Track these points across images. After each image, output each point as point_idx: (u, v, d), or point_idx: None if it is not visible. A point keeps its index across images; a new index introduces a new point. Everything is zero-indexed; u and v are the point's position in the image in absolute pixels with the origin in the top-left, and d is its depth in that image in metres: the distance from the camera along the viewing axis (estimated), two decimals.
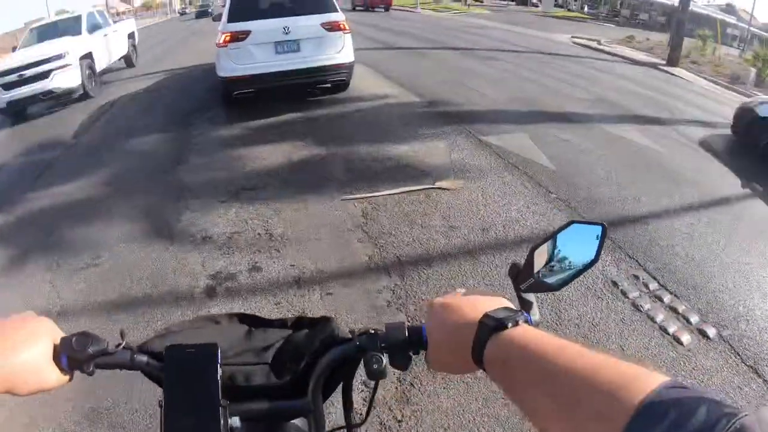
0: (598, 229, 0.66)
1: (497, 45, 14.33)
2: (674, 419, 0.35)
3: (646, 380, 0.40)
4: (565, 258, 0.70)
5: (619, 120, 6.85)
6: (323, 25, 6.87)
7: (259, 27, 6.71)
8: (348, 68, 7.29)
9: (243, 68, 6.69)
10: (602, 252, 0.67)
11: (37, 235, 4.30)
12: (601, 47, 15.50)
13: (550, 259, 0.70)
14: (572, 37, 18.28)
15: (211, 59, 7.86)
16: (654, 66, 12.62)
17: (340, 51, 7.04)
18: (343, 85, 7.73)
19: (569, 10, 46.09)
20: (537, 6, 53.77)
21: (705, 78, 11.79)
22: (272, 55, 6.78)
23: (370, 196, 4.47)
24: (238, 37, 6.65)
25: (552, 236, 0.70)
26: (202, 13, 41.86)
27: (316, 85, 7.59)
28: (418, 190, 4.58)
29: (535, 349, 0.52)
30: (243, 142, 6.06)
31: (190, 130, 6.84)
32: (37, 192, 5.27)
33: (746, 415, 0.34)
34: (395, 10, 32.85)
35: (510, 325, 0.57)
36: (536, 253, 0.71)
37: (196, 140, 6.36)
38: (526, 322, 0.60)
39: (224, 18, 7.01)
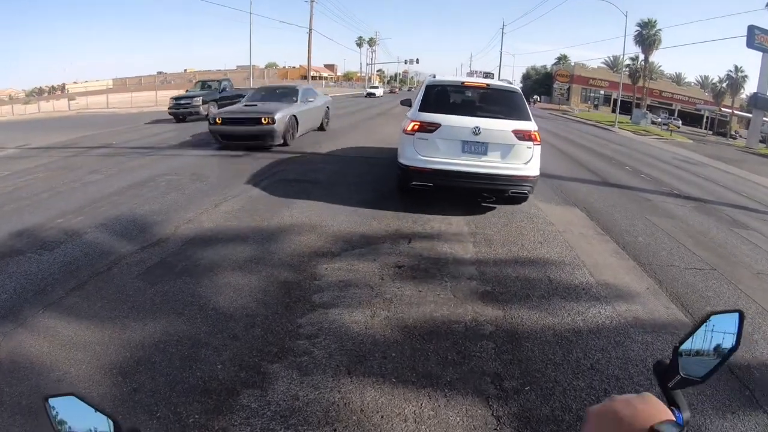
0: (736, 317, 0.70)
1: (726, 195, 11.03)
2: None
3: None
4: (707, 349, 0.71)
5: None
6: (515, 132, 6.04)
7: (449, 122, 6.07)
8: (533, 182, 6.24)
9: (426, 160, 6.06)
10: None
11: None
12: None
13: (693, 353, 0.72)
14: None
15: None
16: None
17: (528, 162, 6.12)
18: (521, 199, 6.52)
19: None
20: (734, 138, 47.57)
21: None
22: (458, 153, 6.05)
23: None
24: (427, 127, 6.06)
25: (693, 331, 0.72)
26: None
27: (494, 195, 6.55)
28: None
29: None
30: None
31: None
32: None
33: None
34: (586, 123, 30.04)
35: None
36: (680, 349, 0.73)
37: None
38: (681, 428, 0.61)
39: (415, 106, 6.51)
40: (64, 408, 0.71)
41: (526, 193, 6.30)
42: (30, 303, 3.69)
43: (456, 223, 6.06)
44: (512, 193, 6.21)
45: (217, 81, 21.06)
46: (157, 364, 2.95)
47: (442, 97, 6.69)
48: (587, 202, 8.08)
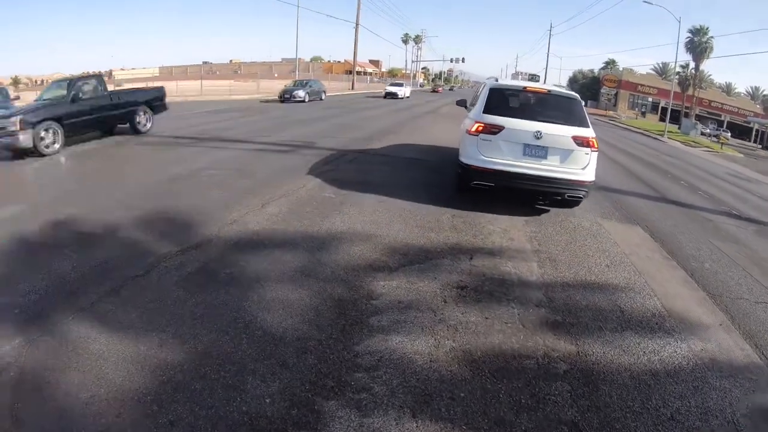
0: None
1: None
2: None
3: None
4: None
5: None
6: (574, 138, 6.14)
7: (512, 125, 6.21)
8: (588, 187, 6.35)
9: (488, 161, 6.22)
10: None
11: None
12: None
13: None
14: None
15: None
16: None
17: (585, 168, 6.22)
18: (575, 203, 6.70)
19: None
20: None
21: None
22: (519, 155, 6.18)
23: None
24: (490, 129, 6.24)
25: None
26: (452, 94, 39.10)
27: (550, 197, 6.64)
28: None
29: None
30: None
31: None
32: None
33: None
34: (634, 131, 29.01)
35: None
36: None
37: None
38: None
39: (478, 107, 6.65)
40: None
41: (581, 197, 6.46)
42: (60, 307, 3.40)
43: (517, 238, 5.57)
44: (568, 196, 6.34)
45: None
46: (197, 392, 2.60)
47: (504, 100, 6.76)
48: (649, 220, 7.52)
